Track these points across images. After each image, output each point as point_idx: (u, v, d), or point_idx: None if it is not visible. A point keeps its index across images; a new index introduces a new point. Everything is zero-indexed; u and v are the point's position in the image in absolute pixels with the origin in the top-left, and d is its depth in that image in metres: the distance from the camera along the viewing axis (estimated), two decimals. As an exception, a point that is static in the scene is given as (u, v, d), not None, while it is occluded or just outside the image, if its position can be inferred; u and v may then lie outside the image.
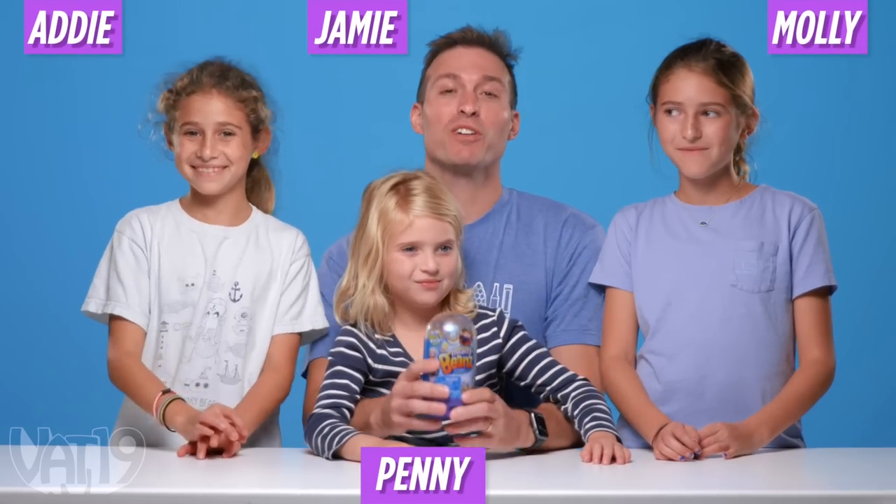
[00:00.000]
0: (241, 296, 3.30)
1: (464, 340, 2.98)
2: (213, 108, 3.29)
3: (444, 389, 2.97)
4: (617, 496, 2.71)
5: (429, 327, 3.01)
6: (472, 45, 3.44)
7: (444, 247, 3.16)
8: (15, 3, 4.59)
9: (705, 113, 3.19)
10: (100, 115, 4.82)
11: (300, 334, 3.36)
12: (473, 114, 3.37)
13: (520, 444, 3.09)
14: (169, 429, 3.15)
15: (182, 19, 4.97)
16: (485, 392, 3.01)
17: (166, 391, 3.19)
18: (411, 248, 3.15)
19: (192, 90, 3.29)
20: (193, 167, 3.29)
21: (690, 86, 3.20)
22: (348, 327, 3.21)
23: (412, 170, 3.23)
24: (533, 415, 3.12)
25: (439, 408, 2.97)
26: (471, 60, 3.42)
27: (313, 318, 3.36)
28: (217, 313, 3.28)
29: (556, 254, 3.40)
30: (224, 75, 3.31)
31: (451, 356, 2.98)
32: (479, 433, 3.00)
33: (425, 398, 2.98)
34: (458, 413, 2.98)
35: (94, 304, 3.29)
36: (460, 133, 3.38)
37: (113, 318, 3.29)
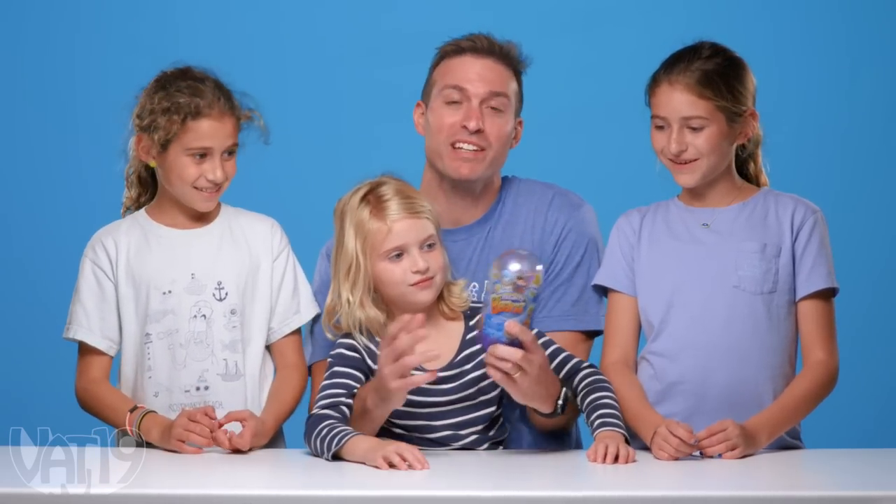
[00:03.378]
0: (226, 294, 3.29)
1: (517, 288, 2.97)
2: (225, 132, 3.25)
3: (422, 333, 2.96)
4: (617, 496, 2.70)
5: (493, 264, 3.00)
6: (481, 55, 3.38)
7: (429, 243, 3.15)
8: (15, 3, 4.61)
9: (690, 127, 3.19)
10: (100, 116, 4.82)
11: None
12: (477, 130, 3.35)
13: (538, 405, 3.08)
14: (149, 444, 3.17)
15: (182, 20, 4.97)
16: (527, 334, 3.00)
17: (134, 408, 3.21)
18: (398, 254, 3.14)
19: (205, 113, 3.23)
20: (195, 188, 3.27)
21: (672, 101, 3.19)
22: (347, 333, 3.20)
23: (377, 176, 3.20)
24: (564, 391, 3.11)
25: (413, 361, 2.97)
26: (478, 73, 3.37)
27: (310, 306, 3.37)
28: (204, 316, 3.27)
29: (541, 239, 3.39)
30: (227, 95, 3.27)
31: (500, 298, 2.98)
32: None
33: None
34: (493, 349, 2.98)
35: (65, 330, 3.32)
36: (461, 148, 3.36)
37: (79, 345, 3.31)
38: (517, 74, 3.42)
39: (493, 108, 3.36)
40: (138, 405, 3.23)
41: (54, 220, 4.95)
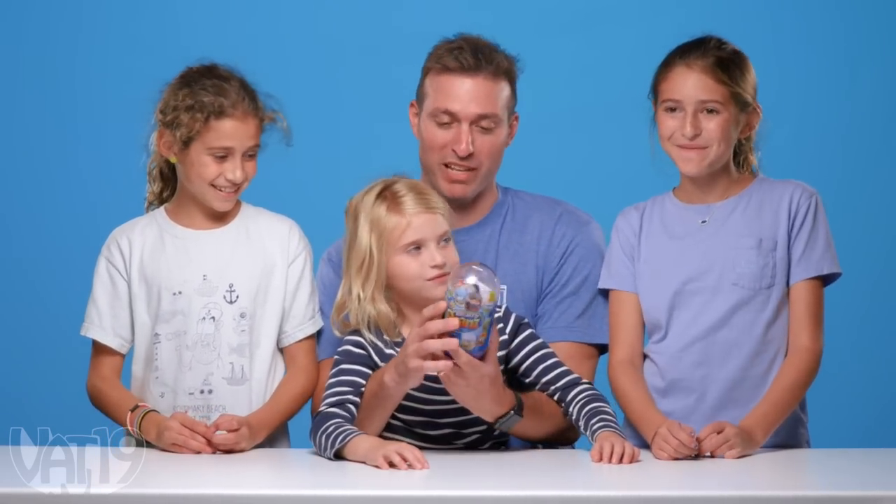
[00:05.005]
0: (237, 297, 3.29)
1: (469, 307, 2.98)
2: (248, 133, 3.24)
3: (455, 321, 2.98)
4: (617, 496, 2.70)
5: (449, 280, 3.02)
6: (469, 74, 3.34)
7: (445, 238, 3.16)
8: (14, 2, 4.59)
9: (705, 111, 3.19)
10: (101, 115, 4.83)
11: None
12: (468, 155, 3.34)
13: (477, 413, 3.10)
14: (149, 443, 3.18)
15: (182, 19, 4.97)
16: (461, 357, 3.01)
17: (135, 407, 3.21)
18: (416, 248, 3.14)
19: (229, 113, 3.23)
20: (214, 186, 3.26)
21: (689, 83, 3.19)
22: (356, 329, 3.20)
23: (390, 176, 3.21)
24: (511, 415, 3.11)
25: (451, 342, 2.99)
26: (468, 92, 3.34)
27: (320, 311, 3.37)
28: (213, 318, 3.27)
29: (547, 251, 3.40)
30: (252, 95, 3.26)
31: (454, 314, 2.99)
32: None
33: (440, 337, 3.00)
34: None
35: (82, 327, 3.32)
36: (453, 168, 3.35)
37: (93, 342, 3.31)
38: (508, 76, 3.39)
39: (482, 127, 3.36)
40: (140, 404, 3.23)
41: (55, 219, 4.95)
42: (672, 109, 3.21)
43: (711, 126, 3.19)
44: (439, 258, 3.13)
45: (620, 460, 2.97)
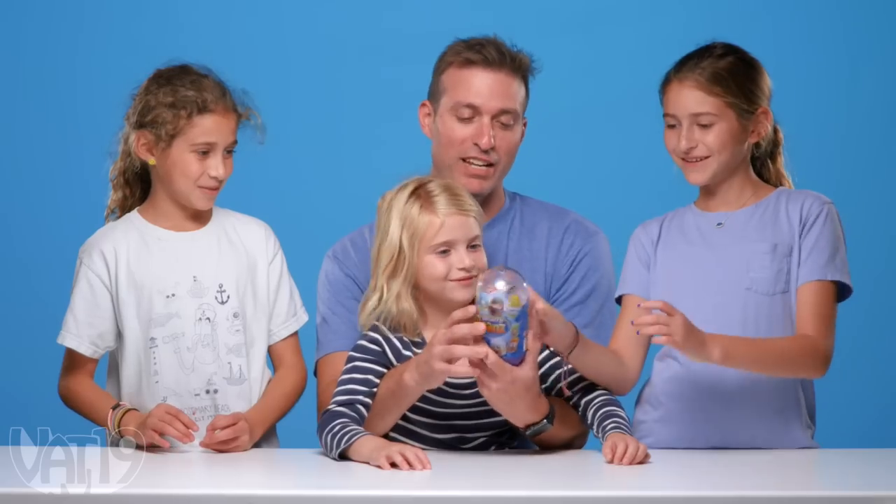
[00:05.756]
0: (228, 297, 3.29)
1: (493, 311, 2.95)
2: (229, 128, 3.25)
3: (481, 326, 2.97)
4: (618, 496, 2.71)
5: (478, 284, 2.98)
6: (492, 69, 3.35)
7: (474, 243, 3.15)
8: (16, 3, 4.58)
9: (699, 124, 3.19)
10: (101, 116, 4.83)
11: None
12: (490, 148, 3.34)
13: (507, 417, 3.08)
14: (125, 439, 3.16)
15: (183, 20, 4.98)
16: (491, 360, 2.98)
17: (115, 406, 3.20)
18: (445, 250, 3.13)
19: (211, 108, 3.23)
20: (199, 185, 3.25)
21: (682, 98, 3.19)
22: (375, 324, 3.19)
23: (422, 175, 3.21)
24: (543, 423, 3.09)
25: (481, 351, 2.97)
26: (489, 87, 3.34)
27: (304, 308, 3.39)
28: (209, 318, 3.27)
29: (556, 259, 3.39)
30: (225, 93, 3.26)
31: (481, 318, 2.98)
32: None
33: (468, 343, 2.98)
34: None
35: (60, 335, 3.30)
36: (472, 164, 3.35)
37: (66, 348, 3.29)
38: (525, 78, 3.40)
39: (502, 122, 3.36)
40: (120, 402, 3.22)
41: (54, 220, 4.95)
42: (672, 126, 3.22)
43: (708, 139, 3.19)
44: (468, 261, 3.12)
45: (632, 461, 2.97)
